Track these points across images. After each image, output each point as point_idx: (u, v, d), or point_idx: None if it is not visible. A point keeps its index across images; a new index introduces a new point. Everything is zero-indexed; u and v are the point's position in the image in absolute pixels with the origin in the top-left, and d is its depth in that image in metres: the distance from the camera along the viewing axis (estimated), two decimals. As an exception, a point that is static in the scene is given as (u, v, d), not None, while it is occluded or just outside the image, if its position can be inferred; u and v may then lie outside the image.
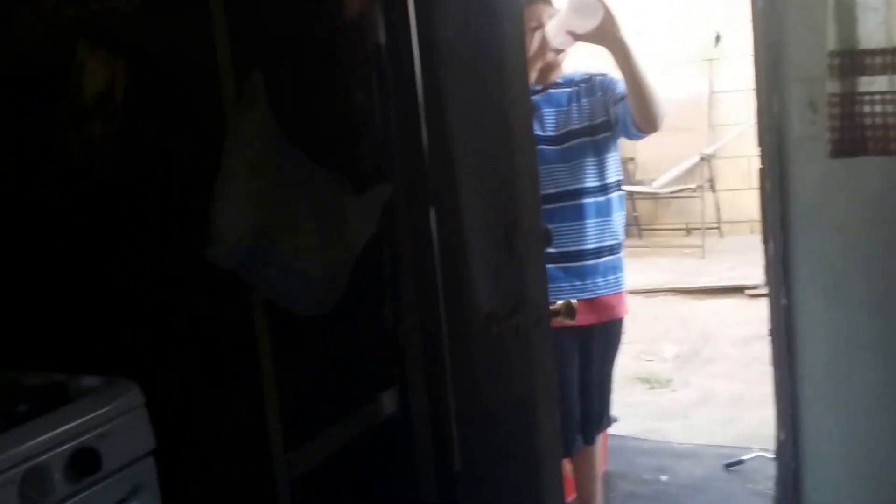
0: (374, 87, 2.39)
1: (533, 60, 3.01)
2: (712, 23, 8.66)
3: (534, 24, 3.02)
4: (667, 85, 8.74)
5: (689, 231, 9.03)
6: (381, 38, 2.36)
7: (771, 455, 2.97)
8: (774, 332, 2.75)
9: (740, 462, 4.05)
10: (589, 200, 3.07)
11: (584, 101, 3.09)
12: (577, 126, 3.07)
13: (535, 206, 2.01)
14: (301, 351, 2.22)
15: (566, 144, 3.07)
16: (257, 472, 2.09)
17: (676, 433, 4.59)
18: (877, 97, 2.42)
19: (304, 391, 2.19)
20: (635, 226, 8.83)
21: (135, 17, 2.05)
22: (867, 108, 2.43)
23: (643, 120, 2.93)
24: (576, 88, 3.12)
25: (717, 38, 8.68)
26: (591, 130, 3.08)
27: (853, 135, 2.45)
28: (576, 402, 3.15)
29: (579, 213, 3.06)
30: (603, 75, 3.10)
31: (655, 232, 9.04)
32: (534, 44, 3.01)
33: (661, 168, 8.53)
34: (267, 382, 2.08)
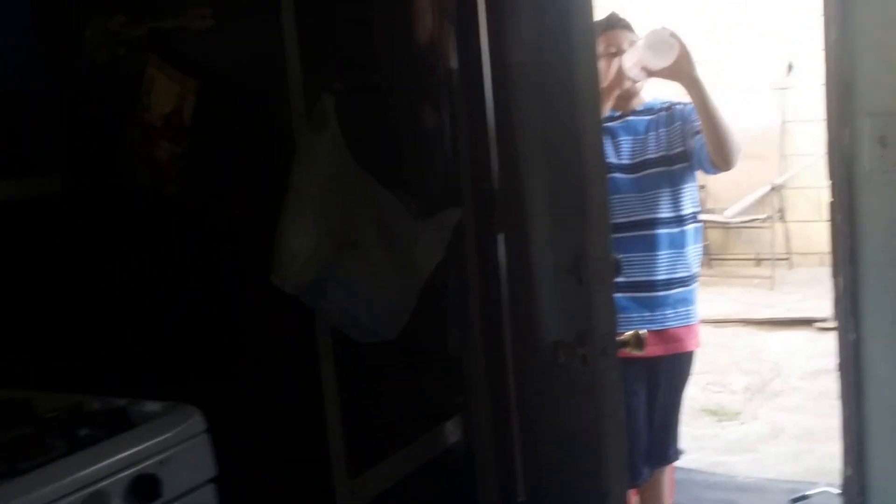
0: (445, 110, 2.38)
1: (611, 87, 3.00)
2: (786, 51, 8.53)
3: (613, 50, 3.01)
4: (739, 113, 8.71)
5: (758, 261, 8.91)
6: (454, 61, 2.37)
7: (837, 490, 2.89)
8: (843, 367, 2.68)
9: (805, 497, 3.95)
10: (662, 231, 3.04)
11: (663, 130, 3.07)
12: (653, 155, 3.04)
13: (604, 234, 1.98)
14: (365, 377, 2.21)
15: (641, 173, 3.04)
16: (320, 499, 2.07)
17: (743, 467, 4.52)
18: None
19: (367, 418, 2.18)
20: (706, 255, 8.73)
21: (206, 36, 2.06)
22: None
23: (718, 157, 2.93)
24: (655, 117, 3.09)
25: (790, 67, 8.56)
26: (668, 160, 3.04)
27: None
28: (643, 432, 3.11)
29: (651, 244, 3.03)
30: (683, 104, 3.07)
31: (725, 261, 8.92)
32: (612, 70, 2.99)
33: (732, 197, 8.42)
34: (331, 409, 2.08)
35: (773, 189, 8.35)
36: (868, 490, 2.71)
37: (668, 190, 3.04)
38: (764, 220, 8.51)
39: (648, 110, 3.11)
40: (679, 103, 3.10)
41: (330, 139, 1.98)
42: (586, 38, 1.98)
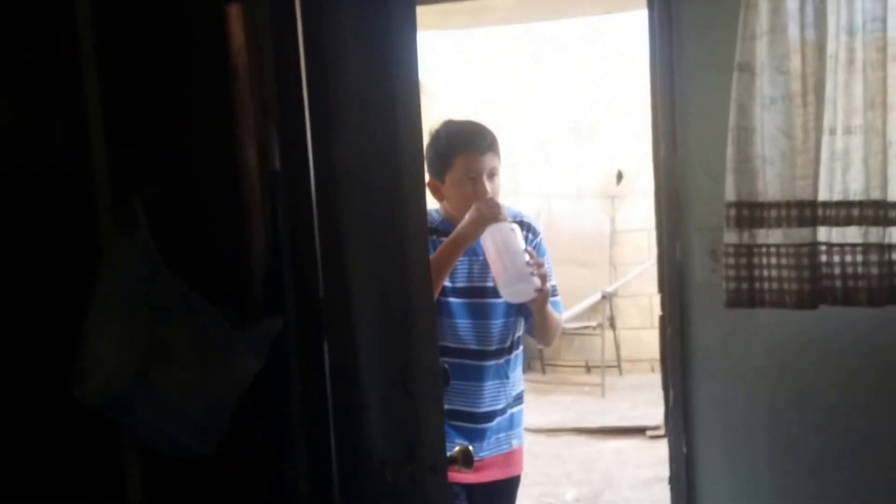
0: (266, 214, 2.32)
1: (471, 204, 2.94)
2: (616, 160, 8.84)
3: (472, 175, 2.95)
4: (571, 217, 8.94)
5: (589, 368, 9.07)
6: (276, 163, 2.32)
7: None
8: (674, 481, 2.71)
9: None
10: (490, 363, 3.02)
11: None
12: (492, 284, 2.96)
13: (431, 343, 1.95)
14: (177, 497, 2.11)
15: (476, 300, 3.00)
16: None
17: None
18: (772, 249, 2.45)
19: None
20: (539, 360, 8.84)
21: (3, 134, 1.96)
22: (763, 261, 2.47)
23: (540, 339, 3.09)
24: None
25: (620, 176, 8.86)
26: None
27: (750, 286, 2.48)
28: None
29: (478, 375, 3.00)
30: (534, 234, 3.08)
31: (557, 368, 9.04)
32: (471, 193, 2.95)
33: (564, 303, 8.57)
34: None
35: (603, 297, 8.54)
36: None
37: (501, 321, 3.02)
38: (595, 328, 8.68)
39: None
40: (532, 226, 3.09)
41: (139, 244, 1.92)
42: (415, 145, 1.96)
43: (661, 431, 6.78)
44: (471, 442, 2.93)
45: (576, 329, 8.67)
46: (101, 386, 1.88)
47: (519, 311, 3.03)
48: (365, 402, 2.25)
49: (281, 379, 2.31)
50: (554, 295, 3.05)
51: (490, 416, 3.02)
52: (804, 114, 2.35)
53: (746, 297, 2.45)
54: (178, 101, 2.16)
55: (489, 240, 2.84)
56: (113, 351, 1.86)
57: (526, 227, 3.05)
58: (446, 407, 2.79)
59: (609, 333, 8.82)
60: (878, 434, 2.58)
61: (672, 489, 2.72)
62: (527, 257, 2.82)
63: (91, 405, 1.85)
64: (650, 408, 7.36)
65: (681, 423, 2.66)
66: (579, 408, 7.83)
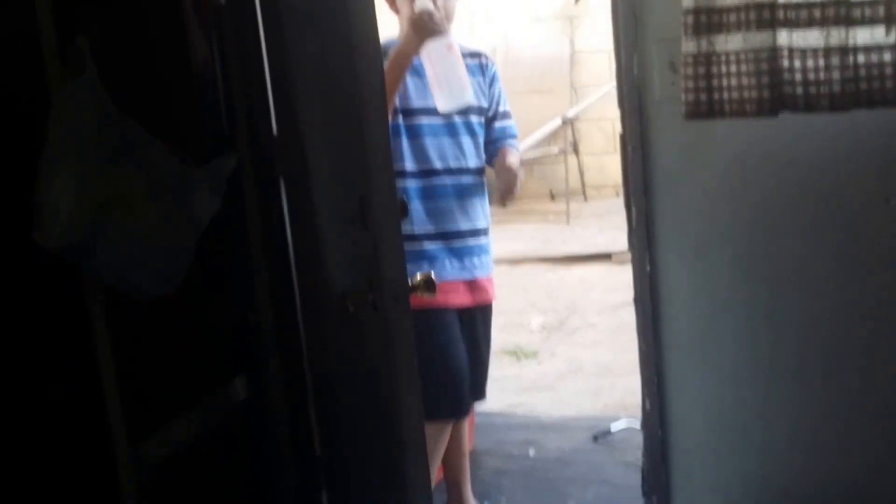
0: (215, 48, 2.33)
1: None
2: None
3: None
4: (528, 44, 8.88)
5: (553, 196, 9.14)
6: (222, -1, 2.31)
7: (637, 424, 3.05)
8: (639, 300, 2.81)
9: (608, 433, 4.15)
10: (469, 180, 3.16)
11: (476, 79, 3.15)
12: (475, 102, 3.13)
13: (388, 177, 2.00)
14: (143, 337, 2.17)
15: (451, 120, 3.11)
16: (99, 470, 2.03)
17: (544, 406, 4.68)
18: (731, 57, 2.47)
19: (148, 380, 2.14)
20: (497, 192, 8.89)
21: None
22: (723, 69, 2.49)
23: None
24: (466, 62, 3.11)
25: (577, -4, 8.78)
26: (476, 112, 3.16)
27: (709, 96, 2.50)
28: (467, 375, 3.20)
29: (461, 192, 3.13)
30: (489, 61, 3.24)
31: (518, 198, 9.09)
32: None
33: (523, 132, 8.58)
34: (106, 372, 2.03)
35: (564, 122, 8.57)
36: (667, 420, 2.87)
37: (471, 140, 3.16)
38: (557, 155, 8.72)
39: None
40: (486, 57, 3.23)
41: (88, 85, 1.91)
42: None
43: (628, 256, 6.91)
44: (462, 260, 3.15)
45: (537, 157, 8.72)
46: (59, 232, 1.87)
47: (481, 127, 3.20)
48: (323, 238, 2.31)
49: (239, 219, 2.37)
50: (505, 118, 3.26)
51: (476, 233, 3.19)
52: None
53: (706, 107, 2.48)
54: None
55: (426, 59, 2.95)
56: (69, 196, 1.85)
57: (481, 54, 3.23)
58: (434, 230, 3.03)
59: (572, 160, 8.88)
60: (840, 245, 2.65)
61: (637, 309, 2.82)
62: (461, 72, 2.94)
63: (51, 250, 1.88)
64: (616, 232, 7.49)
65: (644, 243, 2.74)
66: (543, 236, 7.95)
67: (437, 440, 3.22)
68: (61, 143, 1.90)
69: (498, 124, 3.25)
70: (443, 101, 2.95)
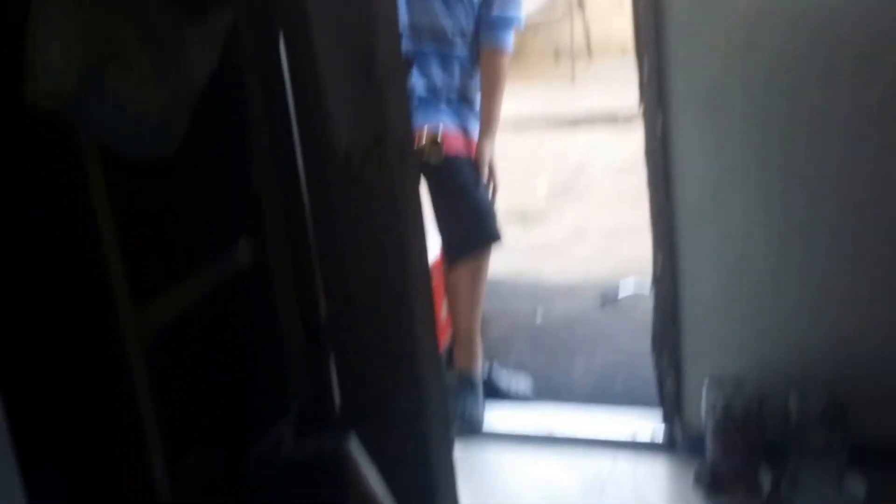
0: None
1: None
2: None
3: None
4: None
5: (557, 57, 8.99)
6: None
7: (647, 288, 3.02)
8: (650, 156, 2.75)
9: (616, 298, 4.12)
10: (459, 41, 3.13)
11: None
12: None
13: (394, 28, 1.92)
14: (143, 198, 2.12)
15: None
16: (104, 334, 2.00)
17: (551, 270, 4.65)
18: None
19: (150, 244, 2.10)
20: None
21: None
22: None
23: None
24: None
25: None
26: None
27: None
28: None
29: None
30: None
31: (522, 59, 8.98)
32: None
33: (530, -9, 8.43)
34: (106, 236, 1.98)
35: (570, -20, 8.39)
36: (678, 278, 2.84)
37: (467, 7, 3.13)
38: (562, 16, 8.55)
39: None
40: None
41: None
42: None
43: (634, 118, 6.81)
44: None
45: (542, 19, 8.55)
46: (50, 87, 1.81)
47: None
48: (326, 94, 2.24)
49: (237, 75, 2.29)
50: (512, 8, 3.22)
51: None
52: None
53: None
54: None
55: None
56: (60, 50, 1.79)
57: None
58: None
59: (578, 20, 8.71)
60: (855, 98, 2.57)
61: (648, 167, 2.75)
62: None
63: (43, 107, 1.82)
64: (623, 93, 7.36)
65: (655, 97, 2.66)
66: (548, 98, 7.82)
67: (477, 278, 3.29)
68: None
69: (497, 10, 3.20)
70: None
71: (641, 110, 2.74)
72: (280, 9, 2.24)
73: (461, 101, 3.19)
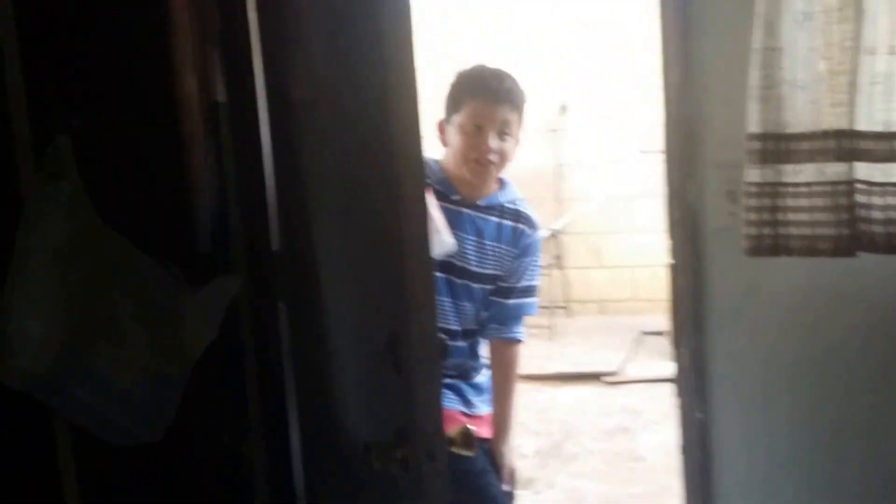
0: (210, 154, 2.04)
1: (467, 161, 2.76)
2: (557, 92, 8.58)
3: (479, 123, 2.73)
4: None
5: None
6: (220, 94, 2.02)
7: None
8: (687, 450, 2.47)
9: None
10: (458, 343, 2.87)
11: (504, 247, 2.89)
12: (481, 270, 2.86)
13: (429, 311, 1.67)
14: (123, 489, 1.86)
15: (461, 281, 2.84)
16: None
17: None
18: (802, 189, 2.17)
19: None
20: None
21: None
22: (790, 202, 2.19)
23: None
24: (498, 221, 2.89)
25: (563, 109, 8.59)
26: (489, 279, 2.88)
27: (774, 231, 2.20)
28: None
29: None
30: (530, 229, 2.94)
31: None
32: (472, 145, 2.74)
33: (507, 243, 8.37)
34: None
35: (550, 235, 8.32)
36: None
37: (469, 304, 2.88)
38: (543, 267, 8.48)
39: (492, 208, 2.88)
40: (525, 218, 2.93)
41: (67, 190, 1.68)
42: (407, 81, 1.65)
43: (619, 378, 6.63)
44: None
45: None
46: (25, 365, 1.65)
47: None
48: (337, 378, 1.98)
49: (233, 350, 2.04)
50: (525, 295, 2.97)
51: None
52: (840, 31, 2.08)
53: (770, 243, 2.18)
54: (107, 23, 1.86)
55: None
56: (39, 322, 1.64)
57: (524, 219, 2.93)
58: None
59: (557, 273, 8.63)
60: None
61: (685, 458, 2.48)
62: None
63: (16, 387, 1.62)
64: (604, 351, 7.20)
65: (695, 386, 2.41)
66: (528, 352, 7.59)
67: None
68: (32, 259, 1.69)
69: (514, 301, 2.93)
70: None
71: (679, 395, 2.48)
72: (281, 278, 2.00)
73: (461, 378, 2.92)
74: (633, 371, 6.67)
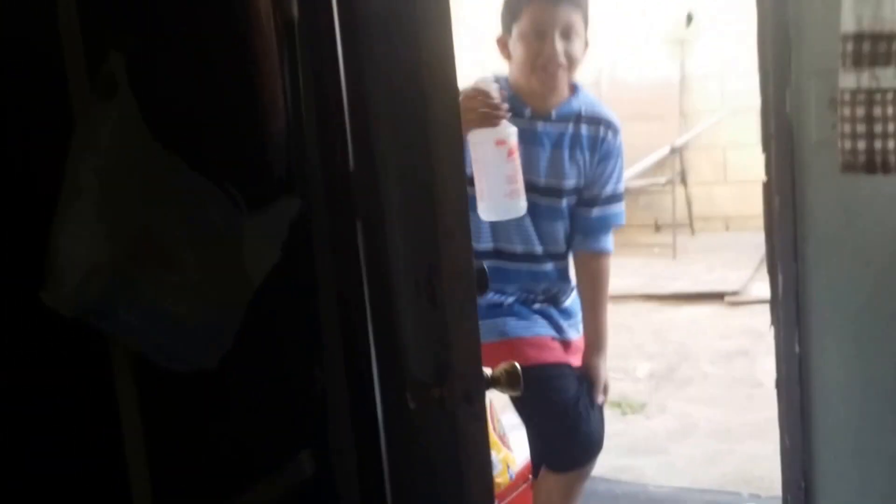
0: (280, 72, 1.95)
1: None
2: (682, 1, 8.29)
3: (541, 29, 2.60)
4: (635, 67, 8.47)
5: (658, 228, 8.68)
6: (294, 10, 1.93)
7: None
8: (782, 384, 2.30)
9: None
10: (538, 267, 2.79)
11: (583, 156, 2.75)
12: (560, 183, 2.74)
13: (463, 243, 1.56)
14: (182, 415, 1.80)
15: (545, 201, 2.74)
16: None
17: (653, 472, 4.14)
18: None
19: (186, 467, 1.77)
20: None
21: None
22: (889, 111, 1.98)
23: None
24: (573, 131, 2.74)
25: (689, 18, 8.30)
26: (573, 192, 2.77)
27: (870, 145, 2.00)
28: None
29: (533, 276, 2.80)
30: (609, 132, 2.77)
31: (622, 229, 8.64)
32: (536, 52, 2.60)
33: (629, 160, 8.12)
34: (134, 462, 1.66)
35: (672, 151, 8.08)
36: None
37: (552, 223, 2.78)
38: (664, 184, 8.27)
39: (567, 117, 2.73)
40: (608, 126, 2.76)
41: (119, 110, 1.55)
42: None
43: (742, 298, 6.40)
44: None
45: (643, 186, 8.26)
46: (75, 291, 1.56)
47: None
48: (397, 309, 1.89)
49: (307, 267, 1.97)
50: (611, 203, 2.84)
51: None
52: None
53: (864, 159, 1.98)
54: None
55: (471, 150, 2.42)
56: (91, 247, 1.55)
57: (604, 124, 2.78)
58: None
59: (680, 190, 8.40)
60: None
61: (779, 396, 2.31)
62: (507, 176, 2.43)
63: (66, 314, 1.51)
64: (727, 270, 6.98)
65: (792, 317, 2.23)
66: (648, 271, 7.43)
67: (570, 495, 2.85)
68: (83, 183, 1.57)
69: (597, 211, 2.81)
70: (483, 209, 2.45)
71: (774, 326, 2.31)
72: (359, 199, 1.92)
73: (550, 304, 2.81)
74: (757, 291, 6.32)
